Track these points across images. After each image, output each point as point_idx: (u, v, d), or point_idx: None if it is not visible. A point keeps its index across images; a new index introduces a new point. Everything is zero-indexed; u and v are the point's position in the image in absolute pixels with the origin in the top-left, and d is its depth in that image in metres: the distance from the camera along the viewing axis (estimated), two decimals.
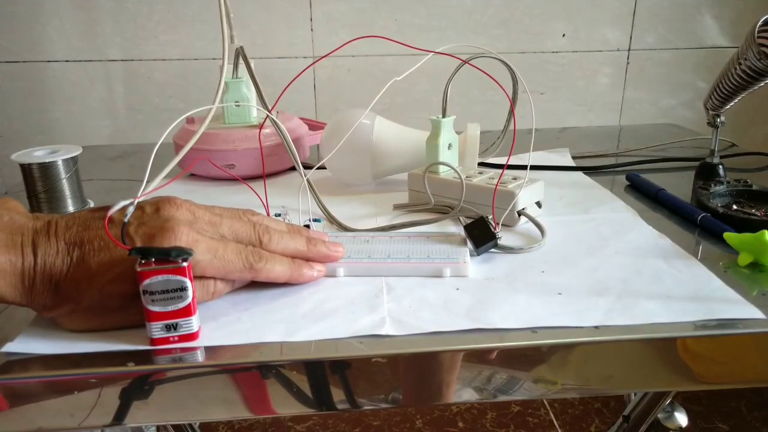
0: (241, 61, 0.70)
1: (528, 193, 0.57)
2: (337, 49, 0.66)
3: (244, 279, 0.44)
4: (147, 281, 0.36)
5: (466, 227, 0.51)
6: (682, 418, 0.98)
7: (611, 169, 0.76)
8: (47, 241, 0.38)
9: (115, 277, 0.38)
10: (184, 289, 0.37)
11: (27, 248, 0.37)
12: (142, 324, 0.38)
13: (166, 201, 0.41)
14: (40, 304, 0.38)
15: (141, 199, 0.40)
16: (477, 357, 0.39)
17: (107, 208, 0.39)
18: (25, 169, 0.60)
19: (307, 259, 0.46)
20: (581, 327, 0.40)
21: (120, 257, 0.38)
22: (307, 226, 0.52)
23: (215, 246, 0.40)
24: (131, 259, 0.37)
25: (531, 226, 0.56)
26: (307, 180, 0.57)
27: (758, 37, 0.56)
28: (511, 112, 0.70)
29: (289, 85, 0.59)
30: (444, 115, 0.61)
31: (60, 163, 0.60)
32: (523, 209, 0.56)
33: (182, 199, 0.42)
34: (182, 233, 0.39)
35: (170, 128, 0.51)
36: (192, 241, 0.39)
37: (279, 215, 0.55)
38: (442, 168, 0.61)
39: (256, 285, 0.45)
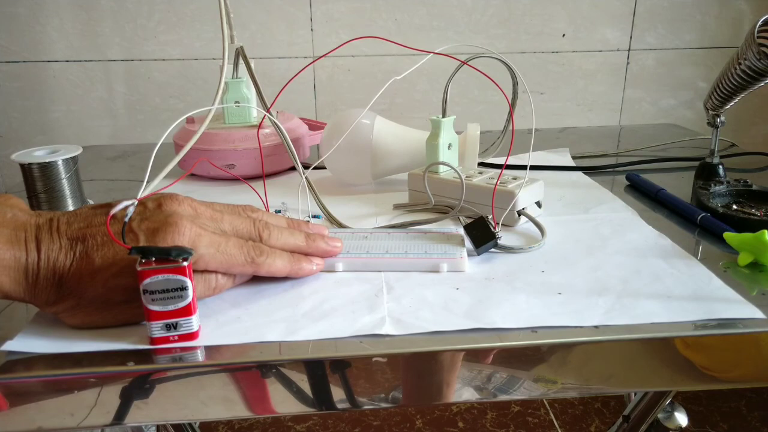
0: (241, 61, 0.71)
1: (528, 193, 0.57)
2: (336, 48, 0.66)
3: (246, 273, 0.44)
4: (147, 280, 0.36)
5: (466, 227, 0.51)
6: (682, 418, 0.98)
7: (611, 169, 0.76)
8: (50, 237, 0.38)
9: (119, 271, 0.38)
10: (184, 288, 0.37)
11: (30, 244, 0.37)
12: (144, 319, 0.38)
13: (168, 197, 0.41)
14: (43, 300, 0.38)
15: (142, 199, 0.40)
16: (477, 357, 0.39)
17: (109, 205, 0.39)
18: (25, 169, 0.60)
19: (306, 254, 0.47)
20: (581, 327, 0.40)
21: (123, 251, 0.38)
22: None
23: (218, 240, 0.41)
24: None
25: (531, 226, 0.56)
26: (307, 179, 0.57)
27: (758, 37, 0.56)
28: (511, 113, 0.70)
29: (287, 84, 0.59)
30: (444, 115, 0.61)
31: (60, 163, 0.60)
32: (523, 209, 0.56)
33: (183, 196, 0.42)
34: (185, 227, 0.39)
35: (170, 128, 0.51)
36: (195, 236, 0.39)
37: (279, 212, 0.55)
38: (442, 168, 0.61)
39: (255, 284, 0.45)
